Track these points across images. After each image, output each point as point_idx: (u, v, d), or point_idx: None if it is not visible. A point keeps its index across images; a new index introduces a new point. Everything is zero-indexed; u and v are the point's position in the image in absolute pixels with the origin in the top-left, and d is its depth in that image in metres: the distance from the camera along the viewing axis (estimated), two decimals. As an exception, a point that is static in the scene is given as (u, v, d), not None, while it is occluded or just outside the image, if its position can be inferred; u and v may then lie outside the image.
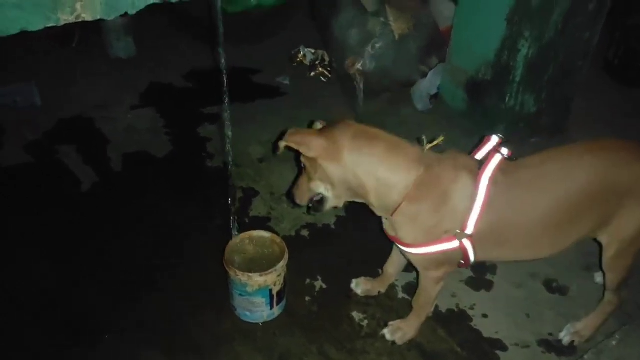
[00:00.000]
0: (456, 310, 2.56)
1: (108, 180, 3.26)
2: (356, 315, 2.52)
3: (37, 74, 4.04)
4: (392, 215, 2.03)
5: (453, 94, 3.67)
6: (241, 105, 3.90)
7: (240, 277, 2.31)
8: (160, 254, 2.79)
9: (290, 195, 2.26)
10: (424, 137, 2.03)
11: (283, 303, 2.51)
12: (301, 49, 4.36)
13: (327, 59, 4.26)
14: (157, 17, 4.89)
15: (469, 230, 1.97)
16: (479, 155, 2.03)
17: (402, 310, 2.52)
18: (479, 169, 1.97)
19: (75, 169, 3.32)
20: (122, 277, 2.66)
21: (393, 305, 2.57)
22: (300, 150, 1.99)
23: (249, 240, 2.50)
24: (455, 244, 2.01)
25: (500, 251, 2.11)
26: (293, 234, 2.94)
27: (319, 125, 2.14)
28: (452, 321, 2.51)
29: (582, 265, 2.77)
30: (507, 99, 3.29)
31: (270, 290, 2.37)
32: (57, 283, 2.60)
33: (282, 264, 2.36)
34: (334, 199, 2.11)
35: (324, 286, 2.66)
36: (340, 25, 3.78)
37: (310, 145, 1.95)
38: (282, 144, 2.01)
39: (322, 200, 2.14)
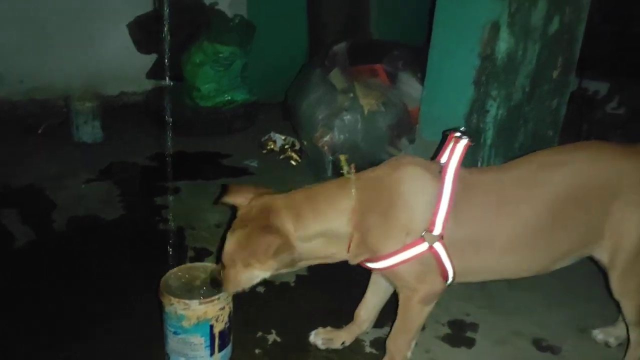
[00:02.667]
0: (432, 365, 2.17)
1: (46, 238, 2.96)
2: (314, 368, 2.12)
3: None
4: (348, 252, 1.85)
5: (424, 170, 3.55)
6: (205, 182, 3.77)
7: (175, 306, 1.94)
8: (93, 307, 2.44)
9: (215, 284, 1.95)
10: (342, 161, 1.96)
11: (227, 351, 2.10)
12: (272, 134, 4.30)
13: (297, 145, 4.19)
14: (126, 105, 4.98)
15: (437, 230, 1.74)
16: (444, 158, 1.87)
17: (369, 366, 2.13)
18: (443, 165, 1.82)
19: (12, 228, 3.02)
20: (46, 327, 2.29)
21: (358, 359, 2.18)
22: (255, 262, 1.78)
23: (190, 272, 2.15)
24: (424, 247, 1.75)
25: (480, 259, 1.84)
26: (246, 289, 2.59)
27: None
28: (427, 376, 2.11)
29: (575, 327, 2.43)
30: (479, 163, 3.17)
31: (212, 327, 1.99)
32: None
33: (226, 293, 2.01)
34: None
35: (278, 339, 2.27)
36: (310, 103, 3.77)
37: (268, 251, 1.73)
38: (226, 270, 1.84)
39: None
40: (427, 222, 1.76)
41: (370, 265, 1.89)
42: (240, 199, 1.91)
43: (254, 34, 4.71)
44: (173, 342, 2.01)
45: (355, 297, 2.27)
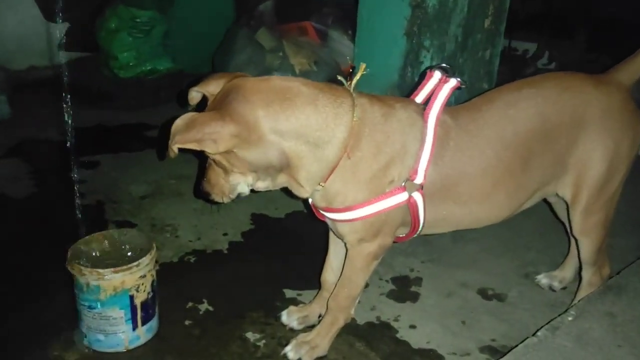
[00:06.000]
0: (377, 322, 2.05)
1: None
2: (251, 335, 1.95)
3: None
4: (326, 181, 1.58)
5: (360, 130, 3.42)
6: (127, 155, 3.49)
7: (87, 276, 1.72)
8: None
9: (201, 193, 1.67)
10: (339, 77, 1.70)
11: (152, 324, 1.89)
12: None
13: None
14: (38, 80, 4.57)
15: (419, 179, 1.59)
16: (420, 97, 1.70)
17: (312, 330, 1.98)
18: (424, 109, 1.63)
19: None
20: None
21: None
22: (206, 150, 1.47)
23: (105, 239, 1.93)
24: (404, 196, 1.60)
25: (452, 208, 1.71)
26: (176, 260, 2.38)
27: (194, 95, 1.66)
28: (372, 334, 1.98)
29: (519, 274, 2.38)
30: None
31: (132, 298, 1.78)
32: None
33: (147, 260, 1.80)
34: (250, 187, 1.62)
35: (211, 309, 2.08)
36: (237, 65, 3.55)
37: (217, 138, 1.43)
38: (175, 147, 1.44)
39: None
40: (409, 170, 1.60)
41: (334, 216, 1.66)
42: (212, 86, 1.59)
43: (174, -2, 4.40)
44: (89, 319, 1.79)
45: (292, 262, 2.13)
